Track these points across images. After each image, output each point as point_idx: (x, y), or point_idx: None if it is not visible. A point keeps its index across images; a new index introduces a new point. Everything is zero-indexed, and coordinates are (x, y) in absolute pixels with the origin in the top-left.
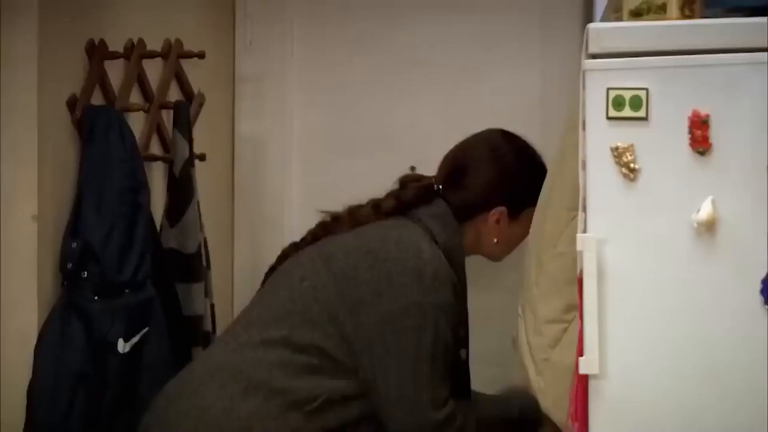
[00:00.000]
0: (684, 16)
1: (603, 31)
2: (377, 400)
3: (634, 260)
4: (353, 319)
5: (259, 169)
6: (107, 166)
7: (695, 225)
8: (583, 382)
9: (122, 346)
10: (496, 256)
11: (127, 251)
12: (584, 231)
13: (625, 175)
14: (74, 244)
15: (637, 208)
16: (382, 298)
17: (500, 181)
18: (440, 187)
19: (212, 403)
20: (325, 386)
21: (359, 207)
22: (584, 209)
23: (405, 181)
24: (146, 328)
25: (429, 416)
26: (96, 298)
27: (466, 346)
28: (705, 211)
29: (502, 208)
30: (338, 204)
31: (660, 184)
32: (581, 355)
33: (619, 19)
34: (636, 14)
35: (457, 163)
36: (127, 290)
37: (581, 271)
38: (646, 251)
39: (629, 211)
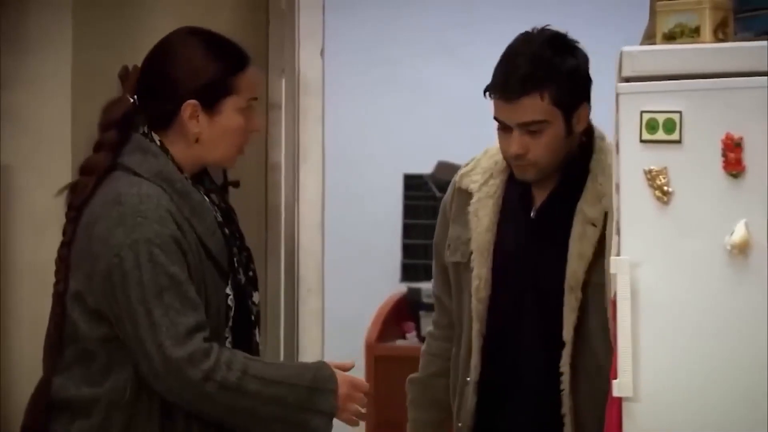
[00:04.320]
0: (717, 39)
1: (636, 55)
2: (133, 355)
3: (667, 283)
4: (91, 293)
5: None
6: None
7: (728, 248)
8: (617, 405)
9: None
10: (221, 159)
11: None
12: (618, 254)
13: (658, 198)
14: None
15: (670, 231)
16: (100, 259)
17: (178, 75)
18: (136, 99)
19: None
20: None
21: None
22: (618, 232)
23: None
24: None
25: (167, 354)
26: None
27: (241, 269)
28: (738, 233)
29: (192, 101)
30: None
31: (693, 207)
32: (615, 378)
33: (653, 44)
34: (669, 38)
35: (141, 72)
36: None
37: (615, 294)
38: (680, 274)
39: (663, 233)
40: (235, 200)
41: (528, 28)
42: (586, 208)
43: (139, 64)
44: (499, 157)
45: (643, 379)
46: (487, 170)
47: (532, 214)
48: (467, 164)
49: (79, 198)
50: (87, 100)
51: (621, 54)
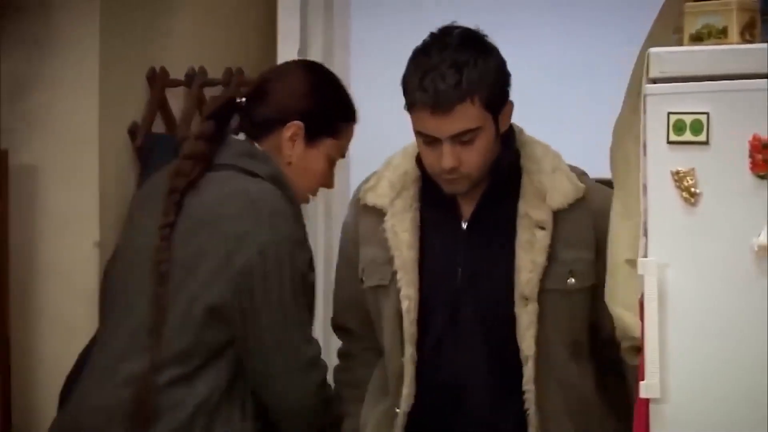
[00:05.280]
0: (744, 41)
1: (664, 56)
2: (254, 357)
3: (695, 284)
4: (212, 291)
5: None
6: None
7: (756, 249)
8: (644, 406)
9: None
10: (297, 190)
11: None
12: (645, 255)
13: (685, 200)
14: None
15: (697, 233)
16: (235, 256)
17: (300, 93)
18: (244, 100)
19: None
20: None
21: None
22: (645, 234)
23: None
24: None
25: (304, 352)
26: None
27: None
28: (766, 235)
29: (299, 123)
30: None
31: (721, 209)
32: (642, 380)
33: (680, 40)
34: (697, 39)
35: (263, 78)
36: None
37: (642, 295)
38: (707, 275)
39: (690, 235)
40: None
41: (534, 30)
42: (530, 211)
43: (167, 66)
44: (409, 166)
45: (671, 381)
46: (396, 183)
47: (463, 225)
48: (369, 179)
49: (182, 181)
50: (114, 101)
51: (648, 55)
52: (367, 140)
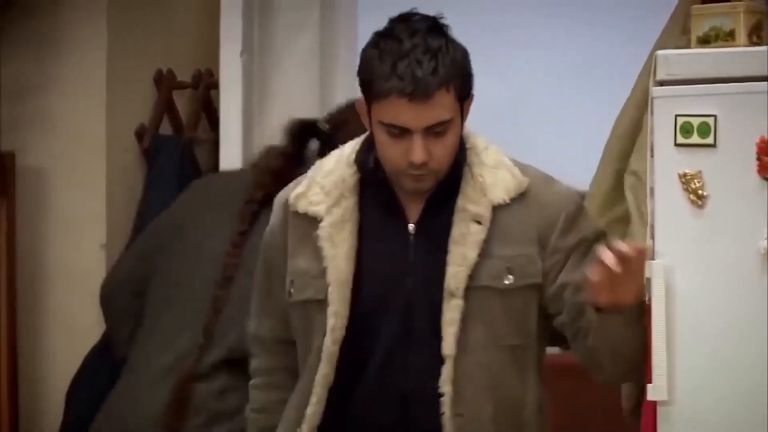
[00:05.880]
0: (752, 43)
1: (671, 58)
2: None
3: (702, 286)
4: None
5: None
6: (174, 195)
7: (763, 251)
8: (651, 409)
9: None
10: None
11: None
12: (653, 258)
13: (693, 202)
14: None
15: (705, 235)
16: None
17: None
18: (328, 127)
19: None
20: None
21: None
22: (652, 236)
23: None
24: None
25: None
26: None
27: None
28: None
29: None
30: None
31: (728, 211)
32: (650, 382)
33: (688, 42)
34: (704, 41)
35: (348, 107)
36: None
37: (649, 297)
38: (714, 277)
39: (697, 237)
40: None
41: (535, 30)
42: (468, 205)
43: (173, 68)
44: (346, 173)
45: (678, 383)
46: (332, 190)
47: (411, 230)
48: (298, 184)
49: (260, 194)
50: (121, 103)
51: (655, 57)
52: None
